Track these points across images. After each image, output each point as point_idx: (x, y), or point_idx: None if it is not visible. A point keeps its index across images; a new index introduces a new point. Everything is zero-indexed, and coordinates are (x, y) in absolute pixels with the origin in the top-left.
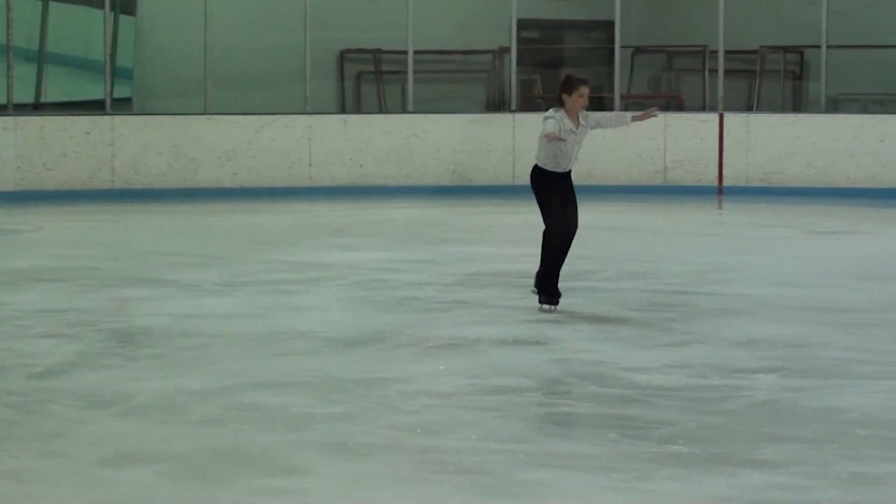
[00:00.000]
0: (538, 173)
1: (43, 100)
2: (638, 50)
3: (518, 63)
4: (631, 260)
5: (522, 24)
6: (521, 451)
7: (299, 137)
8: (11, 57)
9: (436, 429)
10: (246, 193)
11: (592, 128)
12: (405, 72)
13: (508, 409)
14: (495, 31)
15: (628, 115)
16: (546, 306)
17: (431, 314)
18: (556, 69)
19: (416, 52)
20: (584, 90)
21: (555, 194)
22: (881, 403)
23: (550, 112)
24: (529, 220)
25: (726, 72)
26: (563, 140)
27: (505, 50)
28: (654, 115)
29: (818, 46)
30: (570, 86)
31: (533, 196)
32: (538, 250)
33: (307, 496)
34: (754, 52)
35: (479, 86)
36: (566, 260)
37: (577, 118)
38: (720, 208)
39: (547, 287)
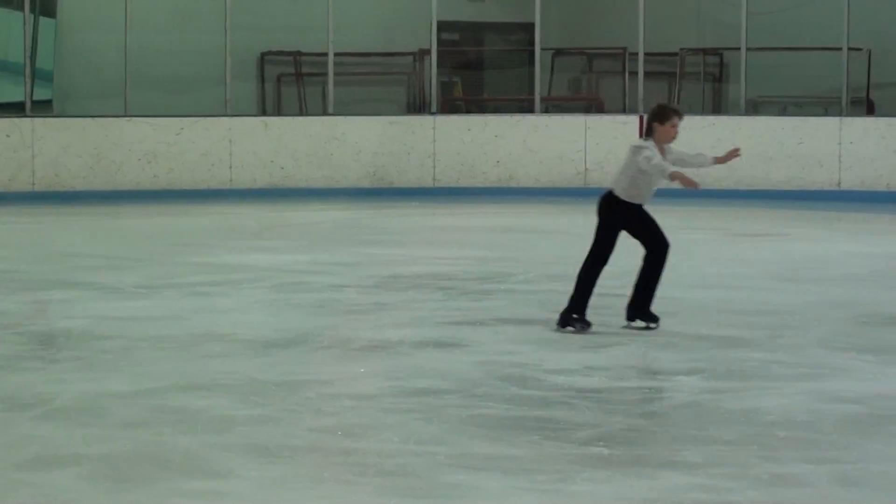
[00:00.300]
0: (613, 202)
1: None
2: (558, 52)
3: (438, 65)
4: (552, 262)
5: (443, 26)
6: (443, 453)
7: (220, 139)
8: None
9: (357, 431)
10: (167, 195)
11: (672, 163)
12: (325, 74)
13: (430, 411)
14: (415, 33)
15: (710, 156)
16: (653, 324)
17: (352, 316)
18: (477, 71)
19: (336, 55)
20: (677, 121)
21: (620, 228)
22: (801, 405)
23: (641, 142)
24: (450, 222)
25: (646, 74)
26: (698, 186)
27: (425, 52)
28: (738, 155)
29: (737, 49)
30: (662, 115)
31: (597, 220)
32: (459, 252)
33: (228, 498)
34: (674, 54)
35: (399, 88)
36: (661, 280)
37: (664, 149)
38: None
39: (579, 307)
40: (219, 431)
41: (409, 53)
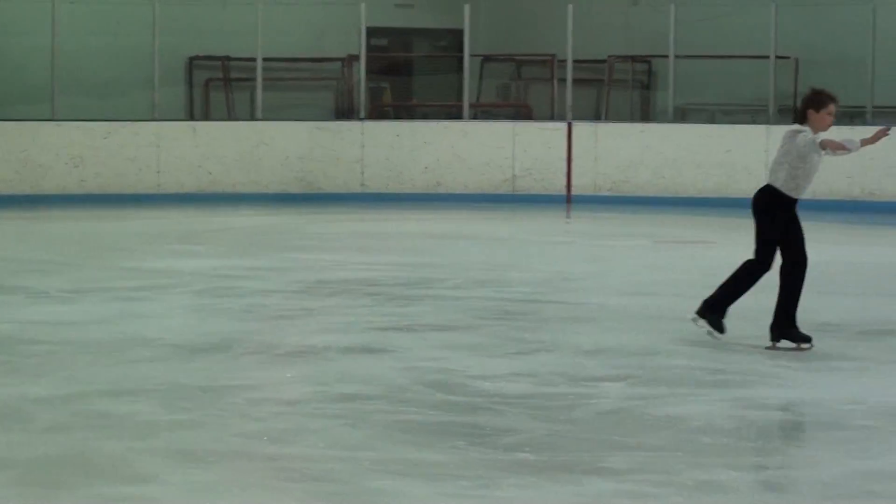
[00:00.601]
0: (773, 196)
1: None
2: (487, 58)
3: (367, 71)
4: (479, 268)
5: (372, 32)
6: (368, 459)
7: (147, 144)
8: None
9: (283, 436)
10: (94, 200)
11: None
12: (254, 79)
13: (356, 416)
14: (344, 38)
15: (857, 140)
16: (805, 344)
17: (279, 322)
18: (406, 77)
19: (264, 60)
20: (833, 108)
21: (781, 225)
22: (726, 412)
23: (797, 126)
24: (378, 228)
25: (575, 81)
26: (848, 150)
27: (354, 58)
28: (887, 134)
29: (666, 56)
30: (818, 102)
31: (754, 219)
32: (386, 257)
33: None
34: (603, 61)
35: (327, 93)
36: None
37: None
38: (568, 217)
39: (721, 306)
40: (144, 436)
41: (338, 59)
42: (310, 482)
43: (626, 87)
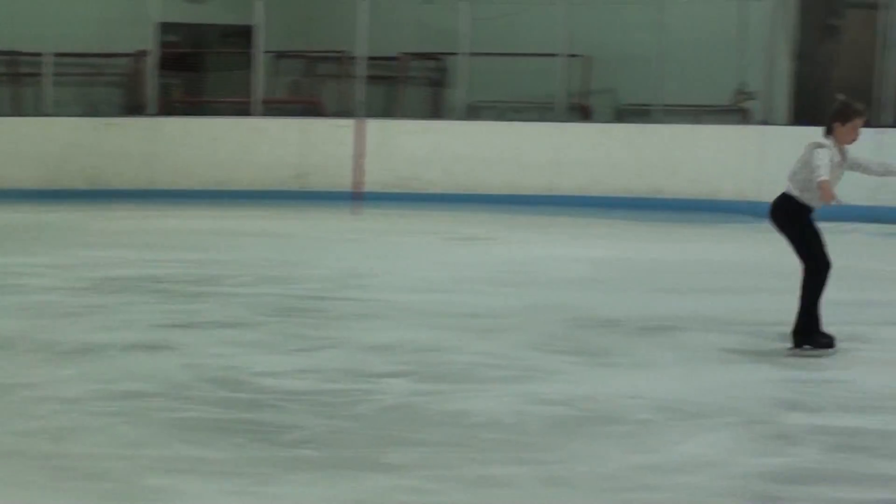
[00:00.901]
0: (795, 206)
1: None
2: (279, 55)
3: (158, 66)
4: (266, 265)
5: (164, 28)
6: (147, 457)
7: None
8: None
9: (62, 434)
10: None
11: (850, 168)
12: (41, 74)
13: (136, 414)
14: (135, 33)
15: None
16: (830, 349)
17: (61, 319)
18: (198, 73)
19: (54, 55)
20: (860, 122)
21: (806, 226)
22: (508, 408)
23: (822, 140)
24: (165, 225)
25: (367, 78)
26: (841, 203)
27: (145, 53)
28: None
29: (458, 54)
30: (845, 115)
31: (778, 229)
32: (173, 254)
33: None
34: (395, 58)
35: (117, 89)
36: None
37: (843, 151)
38: (358, 214)
39: (816, 328)
40: None
41: (129, 54)
42: (86, 480)
43: (418, 83)
